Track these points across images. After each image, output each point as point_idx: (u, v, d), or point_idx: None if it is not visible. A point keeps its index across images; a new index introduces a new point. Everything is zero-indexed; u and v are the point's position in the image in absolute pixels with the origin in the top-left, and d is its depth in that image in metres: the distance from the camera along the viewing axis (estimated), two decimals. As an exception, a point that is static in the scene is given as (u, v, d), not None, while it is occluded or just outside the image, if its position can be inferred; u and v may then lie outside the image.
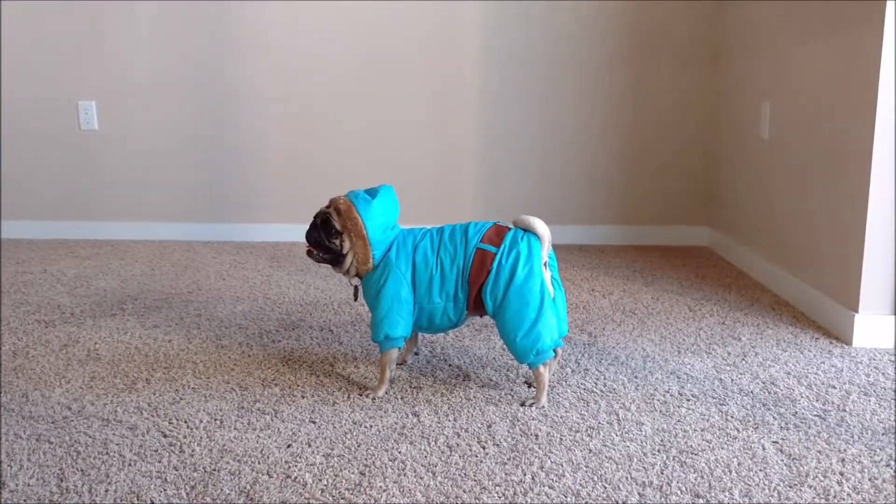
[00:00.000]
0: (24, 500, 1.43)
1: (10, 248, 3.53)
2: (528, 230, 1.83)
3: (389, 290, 1.84)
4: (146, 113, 3.66)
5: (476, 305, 1.85)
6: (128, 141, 3.70)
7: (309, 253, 1.90)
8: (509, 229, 1.85)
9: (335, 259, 1.89)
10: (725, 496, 1.44)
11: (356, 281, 1.95)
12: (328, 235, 1.86)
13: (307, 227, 1.89)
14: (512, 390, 1.92)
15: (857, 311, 2.23)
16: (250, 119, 3.64)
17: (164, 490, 1.46)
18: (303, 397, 1.88)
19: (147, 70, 3.62)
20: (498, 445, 1.64)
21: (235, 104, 3.63)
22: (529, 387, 1.94)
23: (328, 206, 1.87)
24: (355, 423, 1.74)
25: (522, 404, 1.84)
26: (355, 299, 2.00)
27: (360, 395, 1.89)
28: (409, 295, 1.85)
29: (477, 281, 1.82)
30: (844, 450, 1.62)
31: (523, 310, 1.77)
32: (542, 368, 1.82)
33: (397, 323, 1.84)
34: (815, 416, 1.78)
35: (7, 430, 1.70)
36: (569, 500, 1.43)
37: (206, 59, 3.59)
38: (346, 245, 1.86)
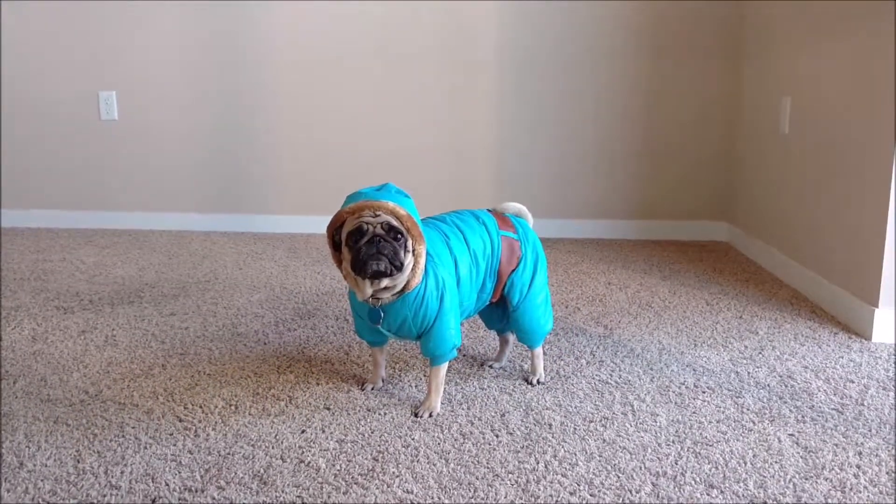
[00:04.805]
0: (42, 480, 1.44)
1: (30, 236, 3.57)
2: (519, 216, 1.84)
3: (449, 302, 1.65)
4: (166, 103, 3.69)
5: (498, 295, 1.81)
6: (147, 131, 3.73)
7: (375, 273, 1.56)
8: (507, 216, 1.84)
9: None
10: (740, 487, 1.43)
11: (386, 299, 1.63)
12: (403, 245, 1.56)
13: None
14: (525, 381, 1.92)
15: (876, 306, 2.21)
16: (269, 111, 3.66)
17: (179, 472, 1.47)
18: (317, 384, 1.89)
19: (167, 61, 3.65)
20: (511, 434, 1.63)
21: (255, 96, 3.65)
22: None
23: (375, 213, 1.54)
24: (369, 410, 1.74)
25: (527, 381, 1.88)
26: (378, 322, 1.66)
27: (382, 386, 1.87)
28: (458, 299, 1.70)
29: (507, 269, 1.77)
30: (862, 443, 1.60)
31: (542, 294, 1.81)
32: (542, 346, 1.89)
33: (458, 330, 1.71)
34: (832, 409, 1.76)
35: (26, 412, 1.72)
36: (582, 488, 1.43)
37: (226, 52, 3.61)
38: (410, 253, 1.57)
